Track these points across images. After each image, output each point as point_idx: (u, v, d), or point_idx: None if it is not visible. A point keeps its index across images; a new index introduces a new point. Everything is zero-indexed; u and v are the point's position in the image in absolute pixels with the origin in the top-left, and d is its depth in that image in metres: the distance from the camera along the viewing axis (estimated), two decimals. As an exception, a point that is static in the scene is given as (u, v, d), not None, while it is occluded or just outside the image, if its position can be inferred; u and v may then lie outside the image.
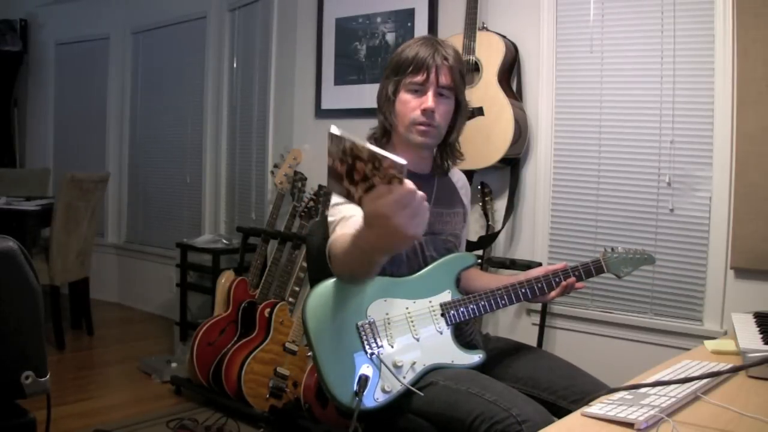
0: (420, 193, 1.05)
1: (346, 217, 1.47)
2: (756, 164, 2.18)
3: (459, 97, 1.62)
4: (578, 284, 1.60)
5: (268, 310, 3.06)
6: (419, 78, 1.55)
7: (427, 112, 1.56)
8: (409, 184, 1.04)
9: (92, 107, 5.18)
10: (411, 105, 1.57)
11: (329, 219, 1.55)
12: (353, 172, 1.03)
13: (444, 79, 1.56)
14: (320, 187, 3.22)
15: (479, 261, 2.62)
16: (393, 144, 1.67)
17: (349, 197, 1.07)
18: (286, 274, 3.27)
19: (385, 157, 1.00)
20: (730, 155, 2.25)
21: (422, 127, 1.57)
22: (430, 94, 1.55)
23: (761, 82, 2.16)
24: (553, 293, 1.59)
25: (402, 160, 1.00)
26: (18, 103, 5.69)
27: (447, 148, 1.68)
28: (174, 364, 3.45)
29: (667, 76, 2.40)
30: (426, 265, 1.60)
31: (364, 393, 1.39)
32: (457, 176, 1.80)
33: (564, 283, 1.58)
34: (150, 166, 4.88)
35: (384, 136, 1.67)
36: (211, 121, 4.33)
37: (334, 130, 1.03)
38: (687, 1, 2.35)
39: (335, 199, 1.55)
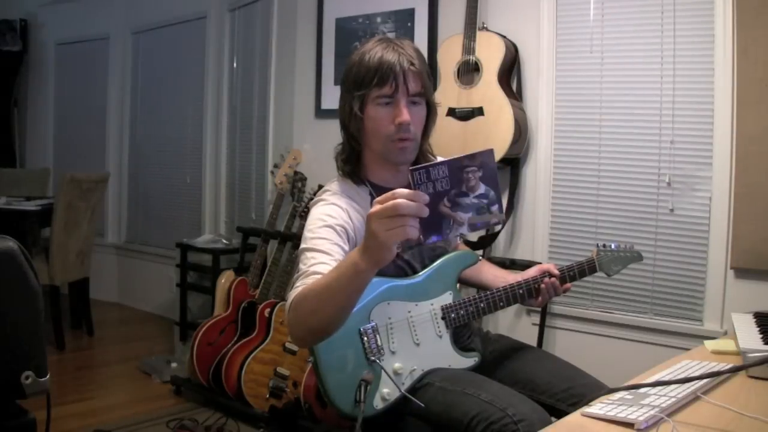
0: (394, 201, 1.05)
1: (306, 273, 1.34)
2: (756, 164, 2.18)
3: (429, 99, 1.50)
4: (566, 285, 1.61)
5: (268, 310, 3.05)
6: (387, 89, 1.42)
7: (402, 126, 1.43)
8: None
9: (92, 107, 5.17)
10: (383, 120, 1.44)
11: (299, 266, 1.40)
12: None
13: (414, 86, 1.43)
14: (320, 186, 3.21)
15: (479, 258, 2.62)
16: (364, 163, 1.54)
17: None
18: (286, 274, 3.27)
19: None
20: (730, 155, 2.25)
21: (400, 144, 1.45)
22: (402, 105, 1.42)
23: (761, 82, 2.16)
24: (541, 297, 1.60)
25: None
26: (18, 103, 5.69)
27: (420, 155, 1.55)
28: (174, 364, 3.45)
29: (667, 76, 2.40)
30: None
31: (365, 401, 1.39)
32: None
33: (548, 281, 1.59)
34: (150, 166, 4.88)
35: (353, 154, 1.53)
36: (211, 121, 4.33)
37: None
38: (687, 1, 2.35)
39: (307, 242, 1.41)
